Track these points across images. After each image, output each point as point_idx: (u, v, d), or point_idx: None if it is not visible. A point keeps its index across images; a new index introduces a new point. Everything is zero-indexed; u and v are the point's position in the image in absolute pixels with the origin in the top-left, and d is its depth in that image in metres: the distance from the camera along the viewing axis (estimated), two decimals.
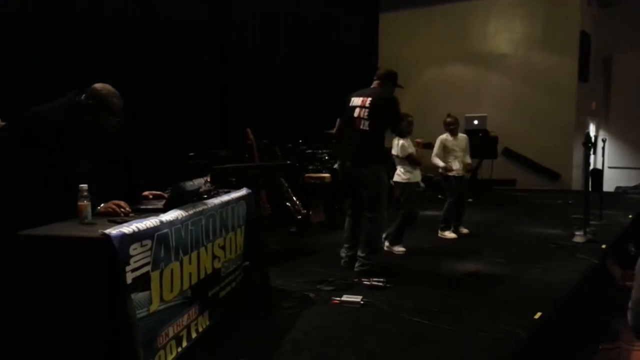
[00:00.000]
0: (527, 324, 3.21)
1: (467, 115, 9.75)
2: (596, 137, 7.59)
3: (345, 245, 4.57)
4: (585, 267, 4.65)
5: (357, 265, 4.33)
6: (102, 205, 2.63)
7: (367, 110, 4.27)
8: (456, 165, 6.04)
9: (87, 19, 5.05)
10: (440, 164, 6.02)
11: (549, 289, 3.95)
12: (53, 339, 2.13)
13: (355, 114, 4.32)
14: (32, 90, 4.31)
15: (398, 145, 5.15)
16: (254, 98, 7.34)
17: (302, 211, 6.03)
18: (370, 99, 4.29)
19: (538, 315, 3.35)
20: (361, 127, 4.28)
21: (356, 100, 4.37)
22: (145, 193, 3.12)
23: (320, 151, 7.30)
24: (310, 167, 7.06)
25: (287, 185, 5.96)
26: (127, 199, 2.78)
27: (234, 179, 4.61)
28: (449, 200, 6.07)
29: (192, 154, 5.12)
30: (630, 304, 1.93)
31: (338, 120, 4.68)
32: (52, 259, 2.15)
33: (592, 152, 6.20)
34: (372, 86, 4.48)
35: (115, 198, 2.70)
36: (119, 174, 2.99)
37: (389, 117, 4.34)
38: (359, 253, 4.34)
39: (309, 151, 7.25)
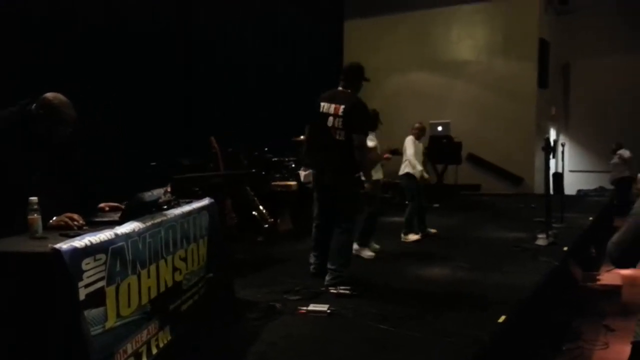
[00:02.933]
0: (492, 327, 3.24)
1: (431, 121, 9.89)
2: (556, 141, 7.79)
3: (313, 254, 4.51)
4: (547, 269, 4.74)
5: (327, 278, 4.16)
6: (54, 218, 2.53)
7: (341, 119, 4.14)
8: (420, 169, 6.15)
9: (52, 26, 4.92)
10: (419, 167, 6.09)
11: (513, 292, 4.00)
12: (3, 356, 2.03)
13: (329, 124, 4.18)
14: None
15: None
16: (218, 105, 7.27)
17: (269, 220, 5.97)
18: (343, 107, 4.14)
19: (502, 318, 3.38)
20: (337, 137, 4.15)
21: (327, 107, 4.21)
22: (102, 205, 3.02)
23: (286, 159, 7.26)
24: (277, 175, 7.01)
25: (252, 193, 5.89)
26: (81, 211, 2.68)
27: (198, 189, 4.55)
28: (412, 203, 6.14)
29: (154, 163, 5.00)
30: (610, 241, 2.06)
31: (307, 127, 4.53)
32: (3, 275, 2.05)
33: (551, 156, 6.36)
34: (340, 87, 4.33)
35: (69, 210, 2.60)
36: (72, 185, 2.89)
37: (359, 125, 4.20)
38: (329, 265, 4.18)
39: (275, 159, 7.20)
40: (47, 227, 2.45)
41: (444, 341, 3.02)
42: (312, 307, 3.54)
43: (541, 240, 5.78)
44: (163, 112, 6.28)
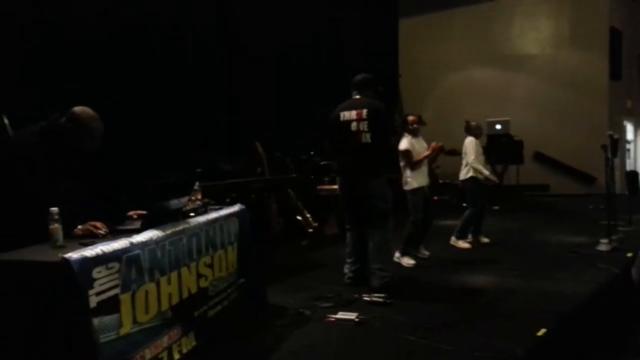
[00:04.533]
0: (529, 340, 3.03)
1: (488, 119, 9.49)
2: (617, 138, 7.11)
3: (348, 261, 4.46)
4: (606, 277, 4.39)
5: (375, 280, 4.11)
6: (79, 227, 2.64)
7: (365, 122, 4.15)
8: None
9: (92, 27, 5.02)
10: (485, 172, 5.85)
11: (560, 302, 3.73)
12: None
13: (353, 128, 4.19)
14: (36, 95, 4.30)
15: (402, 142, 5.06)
16: (265, 110, 7.30)
17: (314, 224, 5.95)
18: (366, 110, 4.18)
19: (542, 331, 3.15)
20: (362, 140, 4.15)
21: (348, 114, 4.25)
22: (130, 213, 3.13)
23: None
24: (326, 179, 6.98)
25: (296, 198, 5.90)
26: (110, 219, 2.79)
27: (234, 195, 4.62)
28: (473, 209, 5.87)
29: (199, 169, 5.13)
30: (636, 261, 1.96)
31: (326, 142, 4.58)
32: (17, 284, 2.16)
33: (611, 153, 5.88)
34: (354, 97, 4.35)
35: (96, 219, 2.71)
36: (100, 195, 3.01)
37: (385, 126, 4.24)
38: (374, 265, 4.16)
39: (323, 162, 7.17)
40: (72, 235, 2.57)
41: (473, 355, 2.85)
42: (340, 315, 3.48)
43: (603, 245, 5.37)
44: (208, 117, 6.39)
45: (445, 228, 6.64)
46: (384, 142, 4.24)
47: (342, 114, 4.29)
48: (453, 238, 5.92)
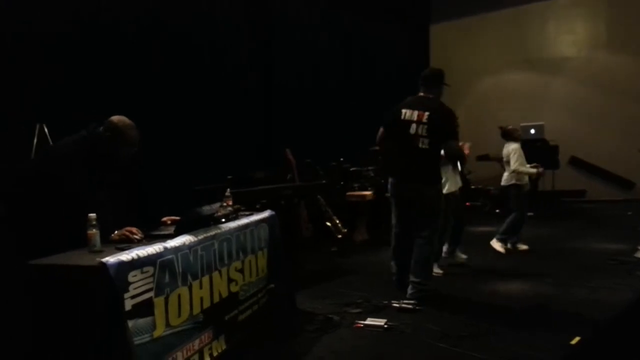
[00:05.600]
0: (561, 349, 2.96)
1: (522, 124, 9.30)
2: None
3: (394, 263, 4.35)
4: None
5: (410, 290, 4.03)
6: (116, 232, 2.74)
7: (425, 126, 3.95)
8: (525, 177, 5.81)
9: (130, 40, 5.13)
10: (531, 170, 5.77)
11: (596, 310, 3.64)
12: None
13: (412, 131, 3.98)
14: (75, 105, 4.39)
15: None
16: (296, 117, 7.37)
17: (343, 230, 5.96)
18: (427, 113, 3.96)
19: (576, 340, 3.08)
20: (420, 145, 3.97)
21: (410, 114, 4.02)
22: (164, 219, 3.22)
23: (365, 168, 7.22)
24: (356, 185, 6.99)
25: (325, 204, 5.93)
26: (144, 224, 2.88)
27: (264, 201, 4.68)
28: (517, 212, 5.77)
29: (230, 176, 5.22)
30: None
31: (381, 129, 4.32)
32: (57, 287, 2.26)
33: None
34: (420, 94, 4.14)
35: (133, 224, 2.81)
36: (135, 200, 3.11)
37: (447, 133, 4.00)
38: (413, 278, 4.04)
39: (354, 169, 7.19)
40: (110, 240, 2.67)
41: None
42: (369, 321, 3.48)
43: None
44: (240, 126, 6.48)
45: (477, 234, 6.55)
46: (439, 149, 4.03)
47: (403, 111, 4.06)
48: (494, 239, 5.83)
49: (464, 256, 5.32)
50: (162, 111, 5.15)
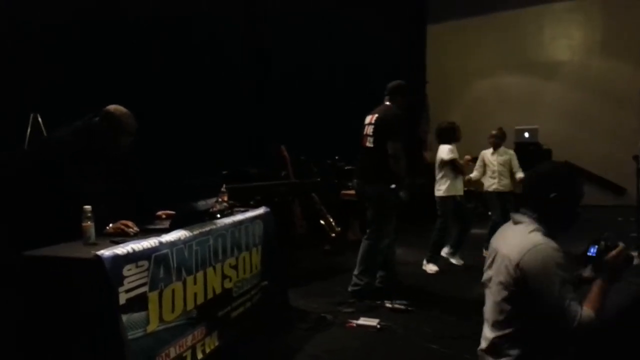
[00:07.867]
0: None
1: (516, 127, 9.35)
2: None
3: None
4: (636, 292, 4.26)
5: (350, 286, 4.19)
6: (110, 225, 2.71)
7: (372, 127, 4.24)
8: (489, 182, 5.82)
9: (124, 31, 5.07)
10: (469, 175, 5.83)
11: None
12: (44, 355, 2.21)
13: (364, 131, 4.31)
14: (69, 95, 4.39)
15: (443, 150, 5.07)
16: (290, 114, 7.35)
17: (337, 229, 5.96)
18: (376, 115, 4.27)
19: None
20: (367, 144, 4.25)
21: (368, 118, 4.34)
22: (159, 213, 3.20)
23: None
24: (350, 184, 6.98)
25: (319, 202, 5.92)
26: (139, 218, 2.85)
27: (259, 197, 4.66)
28: (492, 217, 5.81)
29: (225, 172, 5.20)
30: None
31: None
32: (50, 279, 2.23)
33: None
34: (386, 102, 4.41)
35: (128, 217, 2.78)
36: (131, 193, 3.08)
37: (387, 133, 4.13)
38: (354, 271, 4.22)
39: (348, 167, 7.18)
40: (105, 233, 2.65)
41: None
42: (362, 320, 3.48)
43: (634, 259, 5.22)
44: (235, 122, 6.45)
45: (469, 235, 6.55)
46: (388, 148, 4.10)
47: (367, 117, 4.39)
48: (484, 250, 5.84)
49: (461, 261, 5.34)
50: (158, 106, 5.08)
